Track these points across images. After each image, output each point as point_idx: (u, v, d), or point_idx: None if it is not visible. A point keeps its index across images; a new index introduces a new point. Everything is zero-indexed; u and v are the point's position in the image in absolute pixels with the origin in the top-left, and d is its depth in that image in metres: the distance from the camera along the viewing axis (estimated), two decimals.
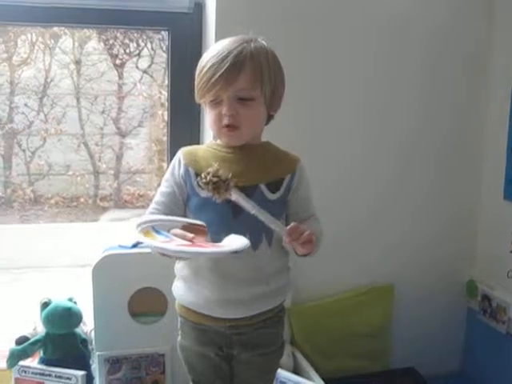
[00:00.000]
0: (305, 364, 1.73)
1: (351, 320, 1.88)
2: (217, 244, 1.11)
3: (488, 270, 1.97)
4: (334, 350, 1.87)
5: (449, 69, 1.89)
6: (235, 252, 1.05)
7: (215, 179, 1.05)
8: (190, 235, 1.07)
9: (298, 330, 1.83)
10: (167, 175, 1.25)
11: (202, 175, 1.07)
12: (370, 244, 1.90)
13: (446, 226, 1.99)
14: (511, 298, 1.84)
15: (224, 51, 1.13)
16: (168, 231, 1.10)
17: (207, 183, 1.06)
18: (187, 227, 1.11)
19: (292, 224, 1.10)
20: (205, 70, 1.14)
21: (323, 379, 1.63)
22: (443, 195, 1.97)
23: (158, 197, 1.24)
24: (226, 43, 1.15)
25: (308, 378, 1.63)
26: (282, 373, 1.55)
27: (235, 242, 1.09)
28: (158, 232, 1.10)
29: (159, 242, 1.06)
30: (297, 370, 1.72)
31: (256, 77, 1.14)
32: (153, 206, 1.23)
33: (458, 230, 2.01)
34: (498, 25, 1.88)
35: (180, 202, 1.22)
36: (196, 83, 1.18)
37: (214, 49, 1.15)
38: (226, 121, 1.15)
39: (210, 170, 1.06)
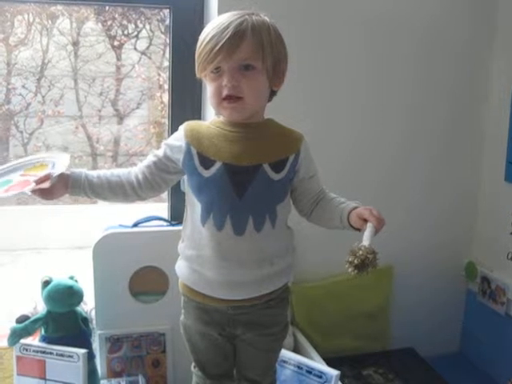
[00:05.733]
0: (305, 344, 1.74)
1: (351, 301, 1.89)
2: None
3: (487, 251, 1.98)
4: (334, 330, 1.88)
5: (448, 49, 1.88)
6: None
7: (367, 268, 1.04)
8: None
9: (298, 311, 1.83)
10: (168, 142, 1.22)
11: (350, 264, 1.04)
12: None
13: (446, 207, 1.99)
14: (510, 280, 1.85)
15: (224, 23, 1.11)
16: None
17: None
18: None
19: (371, 219, 1.16)
20: (206, 41, 1.11)
21: (323, 359, 1.64)
22: (443, 177, 1.97)
23: (151, 158, 1.23)
24: (226, 16, 1.14)
25: (308, 357, 1.63)
26: (283, 352, 1.55)
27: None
28: None
29: None
30: (297, 350, 1.72)
31: (257, 48, 1.12)
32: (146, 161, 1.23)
33: (458, 212, 2.01)
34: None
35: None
36: (197, 56, 1.15)
37: (215, 22, 1.14)
38: (226, 91, 1.12)
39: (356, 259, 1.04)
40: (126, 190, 1.21)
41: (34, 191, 1.14)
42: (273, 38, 1.15)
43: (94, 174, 1.20)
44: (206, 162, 1.16)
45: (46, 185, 1.14)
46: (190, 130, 1.20)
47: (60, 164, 1.20)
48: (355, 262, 1.03)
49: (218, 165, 1.15)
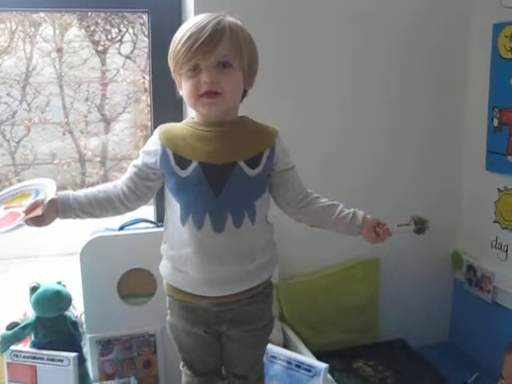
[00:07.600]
0: (295, 339, 1.75)
1: (339, 294, 1.91)
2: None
3: (472, 240, 2.01)
4: (323, 324, 1.89)
5: (428, 44, 1.91)
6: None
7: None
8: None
9: (286, 306, 1.85)
10: (144, 149, 1.23)
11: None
12: None
13: (430, 198, 2.00)
14: (495, 267, 1.87)
15: (202, 22, 1.12)
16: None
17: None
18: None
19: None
20: (184, 39, 1.12)
21: (313, 353, 1.66)
22: (426, 169, 2.00)
23: (132, 169, 1.24)
24: (201, 16, 1.15)
25: (298, 352, 1.65)
26: (272, 348, 1.57)
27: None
28: None
29: None
30: (287, 345, 1.74)
31: (235, 46, 1.14)
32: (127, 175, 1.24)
33: (442, 202, 2.03)
34: None
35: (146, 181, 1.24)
36: (173, 55, 1.16)
37: (191, 22, 1.15)
38: (205, 88, 1.13)
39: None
40: (115, 203, 1.22)
41: (27, 221, 1.15)
42: (247, 37, 1.18)
43: (80, 193, 1.21)
44: (182, 162, 1.17)
45: (38, 212, 1.14)
46: (163, 132, 1.21)
47: (48, 190, 1.21)
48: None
49: (194, 164, 1.16)
